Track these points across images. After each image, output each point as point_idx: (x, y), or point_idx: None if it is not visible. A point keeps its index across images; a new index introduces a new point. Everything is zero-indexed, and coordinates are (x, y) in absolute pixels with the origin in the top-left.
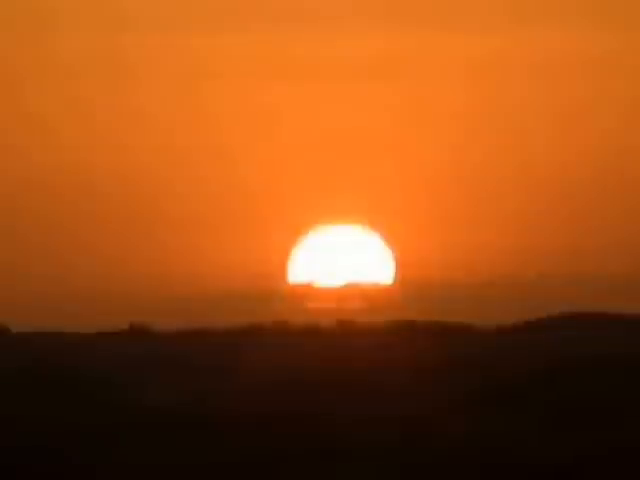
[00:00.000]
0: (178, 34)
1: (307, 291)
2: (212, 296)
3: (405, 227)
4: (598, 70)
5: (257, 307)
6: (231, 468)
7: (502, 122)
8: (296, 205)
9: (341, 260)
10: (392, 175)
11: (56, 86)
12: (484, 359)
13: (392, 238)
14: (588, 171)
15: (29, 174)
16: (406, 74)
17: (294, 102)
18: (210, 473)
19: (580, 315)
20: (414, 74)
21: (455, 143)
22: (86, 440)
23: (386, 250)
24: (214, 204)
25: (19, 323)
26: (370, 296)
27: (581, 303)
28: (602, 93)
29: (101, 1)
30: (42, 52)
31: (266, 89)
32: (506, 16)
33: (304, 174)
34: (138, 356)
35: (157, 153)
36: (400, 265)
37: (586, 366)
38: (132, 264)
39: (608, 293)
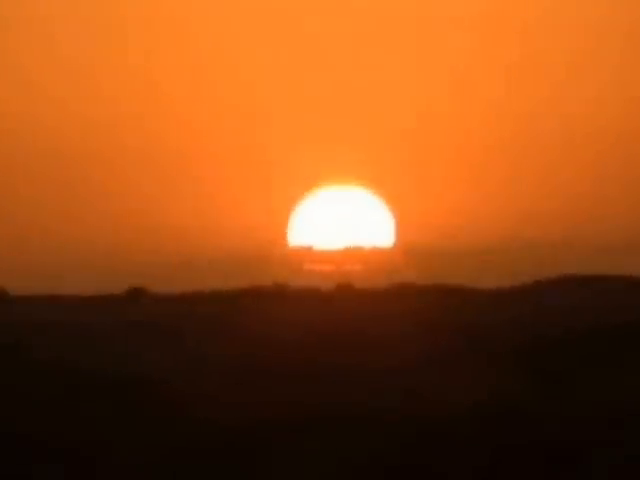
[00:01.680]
0: None
1: (307, 254)
2: (211, 259)
3: (406, 189)
4: (600, 20)
5: (256, 270)
6: (230, 431)
7: (503, 82)
8: (295, 167)
9: (341, 223)
10: (393, 137)
11: (35, 37)
12: (484, 321)
13: (393, 201)
14: (591, 125)
15: (29, 135)
16: (406, 29)
17: (291, 59)
18: (208, 436)
19: (580, 278)
20: (415, 28)
21: (458, 105)
22: (82, 409)
23: (387, 213)
24: (212, 166)
25: (19, 286)
26: (370, 259)
27: (586, 266)
28: (604, 43)
29: None
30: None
31: (261, 45)
32: None
33: (303, 136)
34: (136, 320)
35: (154, 115)
36: (401, 228)
37: (586, 330)
38: (130, 228)
39: (612, 255)
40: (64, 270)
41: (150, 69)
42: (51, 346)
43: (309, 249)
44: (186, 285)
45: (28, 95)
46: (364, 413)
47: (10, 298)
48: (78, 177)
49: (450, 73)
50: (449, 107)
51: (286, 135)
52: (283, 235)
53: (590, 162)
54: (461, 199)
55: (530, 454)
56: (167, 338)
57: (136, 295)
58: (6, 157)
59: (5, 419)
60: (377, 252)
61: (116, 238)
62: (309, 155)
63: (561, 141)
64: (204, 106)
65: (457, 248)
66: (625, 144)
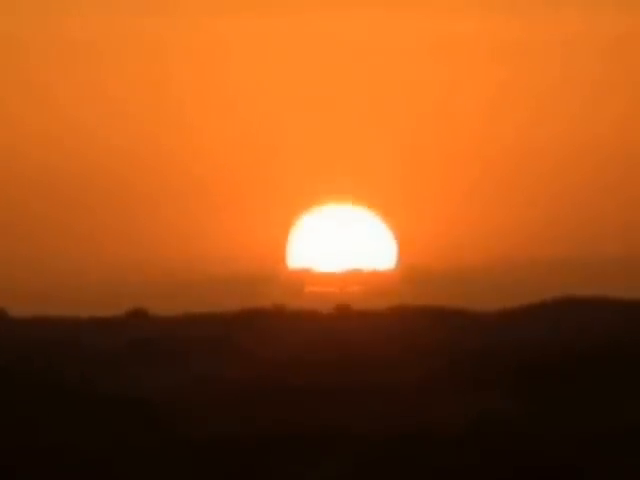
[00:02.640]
0: (191, 13)
1: (306, 276)
2: (211, 280)
3: (407, 211)
4: (607, 52)
5: (256, 291)
6: (231, 449)
7: (509, 107)
8: (296, 188)
9: (341, 244)
10: (394, 158)
11: (66, 66)
12: (485, 344)
13: (393, 222)
14: (586, 146)
15: (27, 161)
16: (404, 60)
17: (290, 81)
18: (209, 454)
19: (580, 300)
20: (416, 54)
21: (459, 128)
22: (86, 428)
23: (387, 234)
24: (212, 187)
25: (19, 308)
26: (371, 281)
27: (585, 286)
28: (612, 76)
29: None
30: (53, 31)
31: (271, 69)
32: None
33: (304, 156)
34: (137, 342)
35: (155, 138)
36: (402, 250)
37: (584, 353)
38: (130, 248)
39: (611, 276)
40: (66, 291)
41: (157, 99)
42: (51, 365)
43: (309, 271)
44: (186, 306)
45: (52, 119)
46: (361, 431)
47: (10, 319)
48: (80, 200)
49: (449, 97)
50: (450, 132)
51: (286, 156)
52: (283, 257)
53: (590, 178)
54: (463, 221)
55: (521, 475)
56: (168, 358)
57: (137, 316)
58: (11, 180)
59: (5, 434)
60: (377, 274)
61: (117, 260)
62: (309, 175)
63: (561, 161)
64: (204, 130)
65: (459, 270)
66: (622, 160)
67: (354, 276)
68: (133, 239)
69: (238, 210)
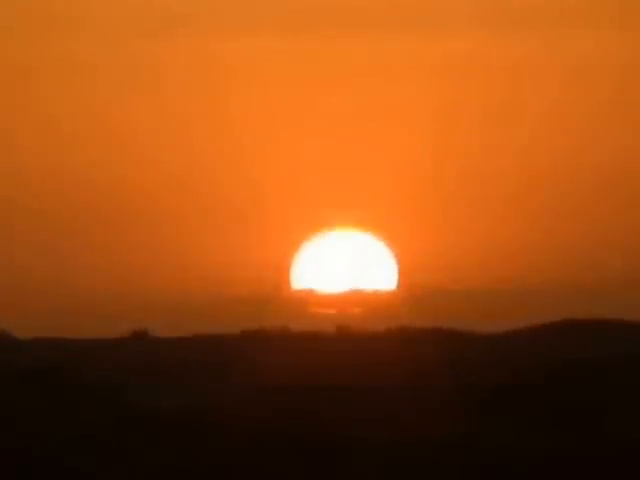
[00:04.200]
0: (196, 37)
1: (310, 297)
2: (215, 301)
3: (408, 233)
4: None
5: (260, 312)
6: (232, 470)
7: (508, 128)
8: (300, 210)
9: (344, 266)
10: (395, 181)
11: (70, 87)
12: (483, 364)
13: (395, 244)
14: (589, 168)
15: (35, 174)
16: (399, 79)
17: (297, 109)
18: (211, 475)
19: (580, 323)
20: (407, 79)
21: (461, 152)
22: (87, 444)
23: (389, 256)
24: (218, 208)
25: (22, 327)
26: (373, 302)
27: (584, 309)
28: (585, 96)
29: (116, 5)
30: (58, 54)
31: (275, 95)
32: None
33: (308, 180)
34: (140, 362)
35: (158, 160)
36: (403, 271)
37: (582, 373)
38: (135, 269)
39: (611, 298)
40: (68, 310)
41: (167, 122)
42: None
43: (312, 292)
44: (191, 327)
45: (53, 142)
46: (361, 436)
47: (13, 339)
48: (83, 222)
49: (448, 121)
50: (451, 155)
51: (289, 179)
52: (286, 278)
53: (593, 201)
54: (463, 243)
55: None
56: (172, 374)
57: (141, 338)
58: (15, 206)
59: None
60: (380, 295)
61: (121, 280)
62: (313, 198)
63: (560, 182)
64: (209, 154)
65: (459, 291)
66: (626, 182)
67: (356, 296)
68: (137, 260)
69: (244, 233)
